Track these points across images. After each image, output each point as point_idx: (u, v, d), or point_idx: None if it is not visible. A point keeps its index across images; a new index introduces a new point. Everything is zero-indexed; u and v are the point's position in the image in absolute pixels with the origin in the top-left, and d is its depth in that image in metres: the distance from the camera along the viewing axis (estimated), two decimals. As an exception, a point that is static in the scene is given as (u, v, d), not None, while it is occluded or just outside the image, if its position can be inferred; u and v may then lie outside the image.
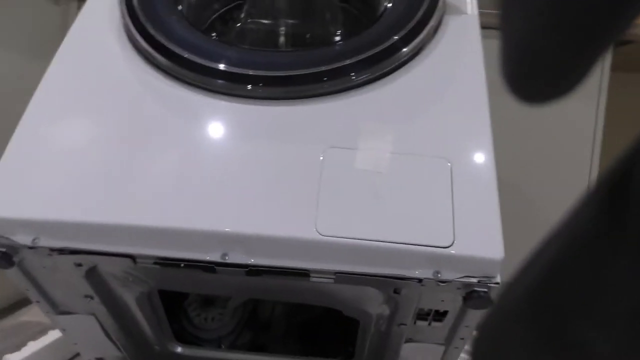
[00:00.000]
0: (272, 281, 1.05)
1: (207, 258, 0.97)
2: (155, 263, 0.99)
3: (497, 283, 0.94)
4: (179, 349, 1.39)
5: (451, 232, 0.94)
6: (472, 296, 0.96)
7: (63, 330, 1.31)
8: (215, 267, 0.98)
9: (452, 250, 0.93)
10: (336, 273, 0.97)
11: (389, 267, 0.96)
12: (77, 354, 1.89)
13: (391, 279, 0.96)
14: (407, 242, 0.94)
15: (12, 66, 1.99)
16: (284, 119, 1.09)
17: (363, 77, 1.11)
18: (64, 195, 0.99)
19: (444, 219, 0.95)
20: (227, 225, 0.96)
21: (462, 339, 1.15)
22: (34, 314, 2.03)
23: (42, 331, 1.75)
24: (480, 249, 0.94)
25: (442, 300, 1.04)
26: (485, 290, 0.95)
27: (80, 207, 0.98)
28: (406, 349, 1.21)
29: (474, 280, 0.95)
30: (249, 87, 1.10)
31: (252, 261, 0.97)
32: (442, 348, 1.20)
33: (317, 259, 0.96)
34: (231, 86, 1.11)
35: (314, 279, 0.99)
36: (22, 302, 2.07)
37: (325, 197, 0.97)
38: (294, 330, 1.68)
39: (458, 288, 0.97)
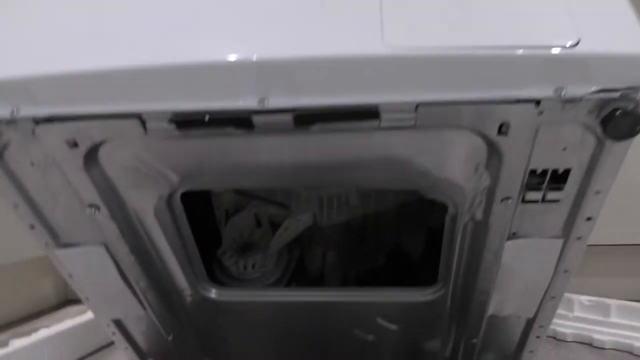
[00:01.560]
0: (326, 147, 0.78)
1: (240, 104, 0.71)
2: (171, 121, 0.73)
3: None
4: (214, 293, 1.11)
5: (573, 26, 0.67)
6: (613, 116, 0.67)
7: (69, 275, 1.05)
8: (252, 118, 0.72)
9: (578, 51, 0.65)
10: (418, 105, 0.69)
11: (489, 88, 0.68)
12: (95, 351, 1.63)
13: (495, 105, 0.68)
14: (511, 45, 0.66)
15: None
16: None
17: None
18: (45, 46, 0.75)
19: (560, 11, 0.68)
20: (264, 51, 0.70)
21: (589, 219, 0.84)
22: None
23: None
24: (617, 45, 0.66)
25: (564, 149, 0.75)
26: (633, 105, 0.66)
27: (66, 55, 0.74)
28: (509, 251, 0.91)
29: (614, 95, 0.66)
30: None
31: (300, 102, 0.70)
32: (560, 243, 0.89)
33: (389, 87, 0.69)
34: None
35: (386, 121, 0.71)
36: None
37: None
38: (350, 283, 1.39)
39: (590, 111, 0.69)
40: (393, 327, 1.13)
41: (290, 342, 1.22)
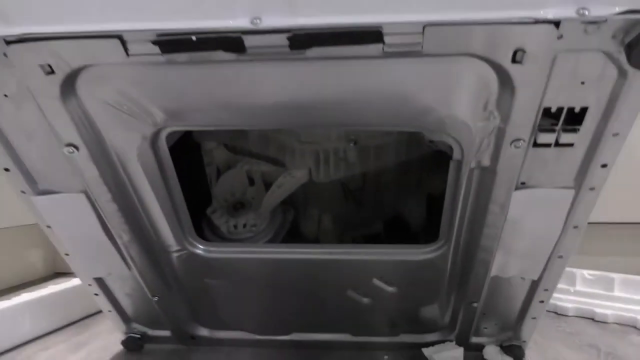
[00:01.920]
0: (324, 80, 0.72)
1: (231, 24, 0.64)
2: (155, 43, 0.67)
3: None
4: (202, 249, 1.05)
5: None
6: (639, 41, 0.61)
7: (48, 226, 0.98)
8: (244, 39, 0.66)
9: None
10: (425, 26, 0.63)
11: (504, 8, 0.62)
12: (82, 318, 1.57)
13: (510, 26, 0.62)
14: (532, -41, 0.60)
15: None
16: None
17: None
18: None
19: None
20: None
21: (605, 165, 0.79)
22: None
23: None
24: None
25: (583, 83, 0.69)
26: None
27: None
28: (517, 203, 0.85)
29: (642, 15, 0.60)
30: None
31: (296, 22, 0.64)
32: (571, 194, 0.84)
33: (394, 5, 0.62)
34: None
35: (389, 45, 0.65)
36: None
37: None
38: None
39: (614, 36, 0.63)
40: (390, 289, 1.08)
41: (282, 305, 1.16)
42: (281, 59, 0.69)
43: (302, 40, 0.65)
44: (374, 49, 0.66)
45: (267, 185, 1.19)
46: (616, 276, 1.53)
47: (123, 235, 1.00)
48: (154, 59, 0.70)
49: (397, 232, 1.34)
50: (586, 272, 1.60)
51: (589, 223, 1.78)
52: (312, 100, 0.76)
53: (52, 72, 0.72)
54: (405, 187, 1.30)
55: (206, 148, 1.23)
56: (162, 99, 0.78)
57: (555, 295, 1.58)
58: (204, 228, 1.18)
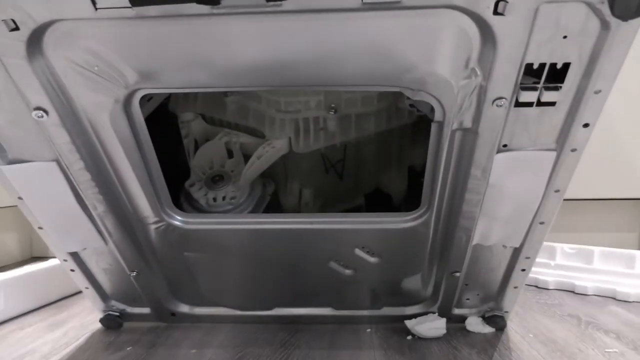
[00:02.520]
0: (302, 36, 0.70)
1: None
2: (123, -7, 0.64)
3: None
4: (180, 220, 1.03)
5: None
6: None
7: (19, 197, 0.95)
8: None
9: None
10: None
11: (487, -43, 0.60)
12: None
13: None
14: None
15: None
16: None
17: None
18: None
19: None
20: None
21: (587, 125, 0.78)
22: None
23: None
24: None
25: (565, 37, 0.67)
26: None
27: None
28: (499, 166, 0.84)
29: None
30: None
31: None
32: (553, 156, 0.83)
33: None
34: None
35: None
36: None
37: None
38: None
39: None
40: (372, 259, 1.06)
41: (263, 279, 1.14)
42: (257, 12, 0.67)
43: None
44: (352, 0, 0.64)
45: (247, 157, 1.17)
46: (596, 249, 1.55)
47: (98, 206, 0.97)
48: (124, 13, 0.67)
49: (378, 204, 1.33)
50: (566, 246, 1.61)
51: (570, 200, 1.80)
52: (289, 57, 0.73)
53: (17, 28, 0.69)
54: (387, 158, 1.28)
55: (183, 120, 1.20)
56: (133, 58, 0.75)
57: (536, 269, 1.60)
58: (182, 202, 1.15)
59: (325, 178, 1.30)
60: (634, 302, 1.41)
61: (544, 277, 1.57)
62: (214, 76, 0.78)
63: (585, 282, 1.50)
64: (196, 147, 1.21)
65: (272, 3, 0.65)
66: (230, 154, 1.19)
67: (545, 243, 1.63)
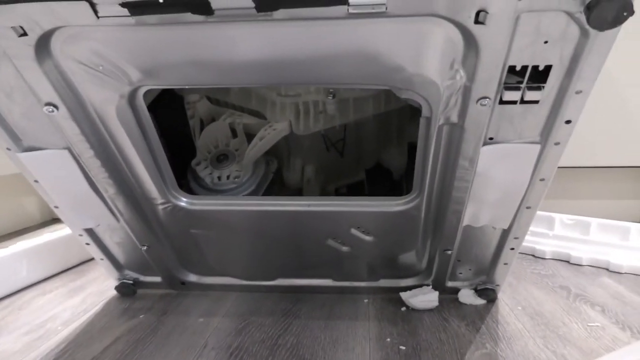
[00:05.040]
0: (293, 40, 0.73)
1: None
2: (123, 5, 0.68)
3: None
4: (185, 202, 1.09)
5: None
6: (598, 1, 0.62)
7: (35, 180, 1.02)
8: (211, 2, 0.66)
9: None
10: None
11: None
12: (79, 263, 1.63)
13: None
14: None
15: None
16: None
17: None
18: None
19: None
20: None
21: (569, 121, 0.81)
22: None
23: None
24: None
25: (546, 42, 0.70)
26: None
27: None
28: (485, 158, 0.88)
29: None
30: None
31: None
32: (537, 148, 0.86)
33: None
34: None
35: (354, 6, 0.66)
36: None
37: None
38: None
39: None
40: (367, 238, 1.12)
41: (266, 254, 1.21)
42: (250, 20, 0.70)
43: (269, 3, 0.66)
44: (339, 10, 0.67)
45: (250, 137, 1.22)
46: (592, 220, 1.59)
47: (108, 189, 1.03)
48: (125, 21, 0.71)
49: (379, 180, 1.38)
50: (565, 217, 1.65)
51: (572, 167, 1.81)
52: (282, 59, 0.77)
53: (25, 34, 0.73)
54: (386, 136, 1.32)
55: (189, 100, 1.24)
56: (136, 59, 0.79)
57: (533, 239, 1.65)
58: (189, 180, 1.21)
59: (326, 155, 1.35)
60: (625, 273, 1.45)
61: (541, 247, 1.62)
62: (212, 75, 0.82)
63: (581, 252, 1.55)
64: (202, 128, 1.25)
65: (263, 13, 0.68)
66: (234, 134, 1.24)
67: (544, 213, 1.68)
